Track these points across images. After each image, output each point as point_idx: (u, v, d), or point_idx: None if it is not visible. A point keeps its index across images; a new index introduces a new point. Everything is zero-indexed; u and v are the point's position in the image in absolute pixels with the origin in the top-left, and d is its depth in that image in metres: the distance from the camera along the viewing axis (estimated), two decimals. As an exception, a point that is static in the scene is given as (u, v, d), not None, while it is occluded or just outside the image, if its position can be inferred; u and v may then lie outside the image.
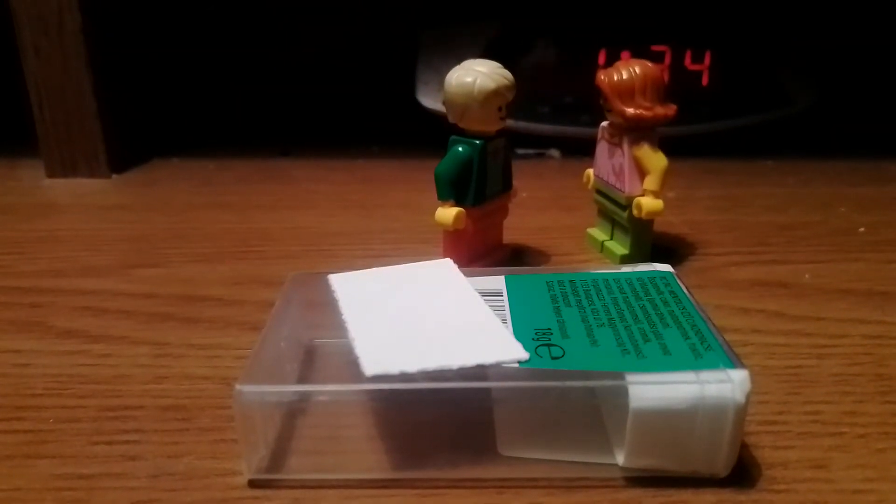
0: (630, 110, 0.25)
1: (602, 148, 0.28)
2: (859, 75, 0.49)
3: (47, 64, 0.38)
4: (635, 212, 0.26)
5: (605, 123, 0.28)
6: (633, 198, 0.26)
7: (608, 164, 0.28)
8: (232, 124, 0.53)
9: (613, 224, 0.29)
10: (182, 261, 0.29)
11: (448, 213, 0.24)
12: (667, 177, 0.26)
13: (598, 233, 0.30)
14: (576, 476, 0.16)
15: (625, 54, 0.41)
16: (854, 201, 0.36)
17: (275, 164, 0.44)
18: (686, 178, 0.39)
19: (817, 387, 0.20)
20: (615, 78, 0.25)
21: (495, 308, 0.18)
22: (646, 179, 0.26)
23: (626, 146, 0.26)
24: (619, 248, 0.28)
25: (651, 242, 0.28)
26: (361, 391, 0.16)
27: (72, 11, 0.37)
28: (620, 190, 0.27)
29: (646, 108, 0.25)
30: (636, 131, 0.26)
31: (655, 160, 0.26)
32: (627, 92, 0.25)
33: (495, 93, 0.24)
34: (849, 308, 0.24)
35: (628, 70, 0.25)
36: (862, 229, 0.32)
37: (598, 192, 0.29)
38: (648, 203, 0.26)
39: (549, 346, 0.17)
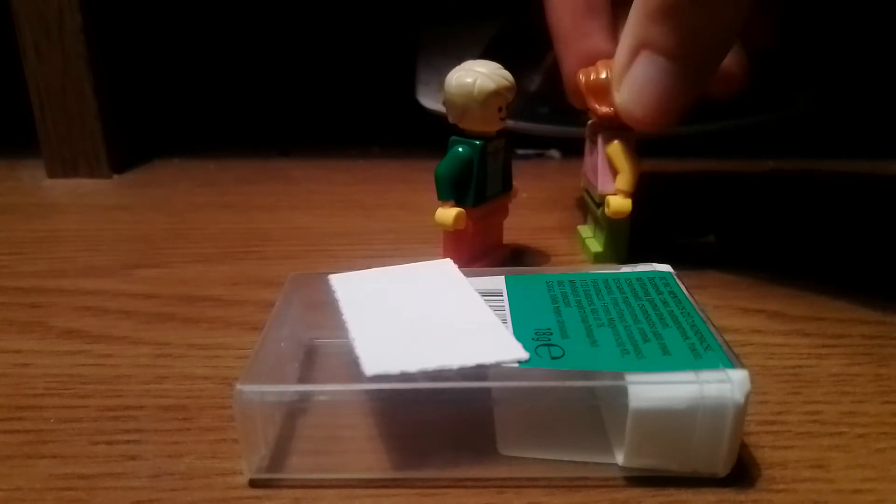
0: (602, 109, 0.25)
1: (587, 146, 0.28)
2: (859, 75, 0.48)
3: (48, 64, 0.38)
4: (606, 210, 0.26)
5: (590, 122, 0.28)
6: (604, 195, 0.26)
7: (589, 161, 0.28)
8: (232, 124, 0.53)
9: (595, 221, 0.29)
10: (182, 261, 0.29)
11: (448, 214, 0.24)
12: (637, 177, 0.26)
13: (585, 230, 0.30)
14: (576, 476, 0.16)
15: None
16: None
17: (275, 164, 0.44)
18: (685, 178, 0.39)
19: (817, 387, 0.20)
20: (592, 76, 0.25)
21: (495, 308, 0.18)
22: (617, 178, 0.26)
23: (599, 144, 0.26)
24: (596, 245, 0.28)
25: (627, 241, 0.27)
26: (361, 391, 0.16)
27: (72, 11, 0.37)
28: (595, 187, 0.27)
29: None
30: (610, 130, 0.26)
31: (625, 160, 0.26)
32: (602, 91, 0.25)
33: (495, 93, 0.24)
34: (849, 308, 0.24)
35: (606, 69, 0.25)
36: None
37: (587, 190, 0.29)
38: (615, 202, 0.26)
39: (549, 346, 0.17)
